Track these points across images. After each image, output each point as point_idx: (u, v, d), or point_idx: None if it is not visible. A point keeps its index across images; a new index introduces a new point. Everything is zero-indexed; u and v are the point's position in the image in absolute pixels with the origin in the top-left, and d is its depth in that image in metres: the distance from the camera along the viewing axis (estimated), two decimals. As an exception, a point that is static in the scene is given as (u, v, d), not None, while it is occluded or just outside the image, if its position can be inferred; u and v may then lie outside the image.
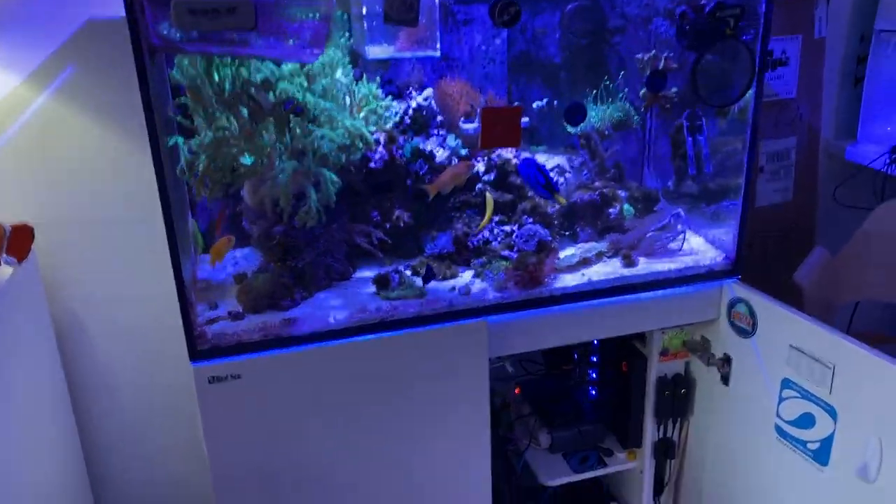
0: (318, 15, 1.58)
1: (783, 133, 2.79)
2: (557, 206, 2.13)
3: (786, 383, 1.94)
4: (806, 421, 1.88)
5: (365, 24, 1.62)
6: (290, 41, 1.63)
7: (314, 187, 1.80)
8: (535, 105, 2.13)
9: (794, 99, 2.75)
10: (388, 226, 2.07)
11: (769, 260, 2.84)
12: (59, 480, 2.15)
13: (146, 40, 1.52)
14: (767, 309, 1.99)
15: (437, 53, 1.67)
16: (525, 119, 1.98)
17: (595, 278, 2.02)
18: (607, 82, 2.13)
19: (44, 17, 2.08)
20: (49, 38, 2.10)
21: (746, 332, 2.06)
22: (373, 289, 1.97)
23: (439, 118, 2.09)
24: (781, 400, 1.96)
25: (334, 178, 1.80)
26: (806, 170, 2.85)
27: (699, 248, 2.19)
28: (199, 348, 1.76)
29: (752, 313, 2.03)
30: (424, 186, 2.02)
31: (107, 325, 2.31)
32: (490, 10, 1.67)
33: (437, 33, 1.65)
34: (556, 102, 2.21)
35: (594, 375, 2.46)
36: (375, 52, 1.66)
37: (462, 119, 2.03)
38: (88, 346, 2.33)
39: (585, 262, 2.08)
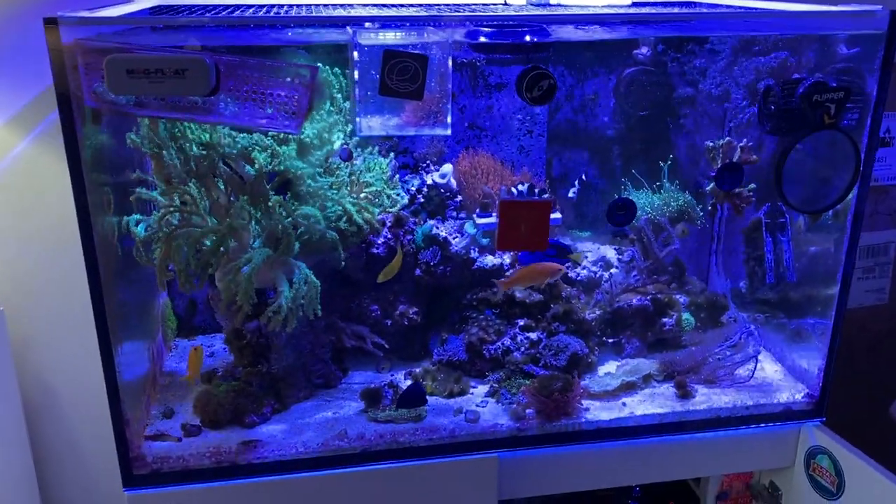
0: (297, 80, 1.26)
1: (881, 224, 2.37)
2: (597, 313, 1.75)
3: (881, 572, 1.50)
4: None
5: (357, 92, 1.28)
6: (268, 109, 1.31)
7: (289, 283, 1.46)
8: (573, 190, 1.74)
9: (898, 185, 2.31)
10: (388, 323, 1.72)
11: (855, 374, 2.38)
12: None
13: (78, 101, 1.21)
14: (860, 470, 1.55)
15: (448, 132, 1.32)
16: (557, 215, 1.60)
17: (639, 411, 1.62)
18: (668, 165, 1.74)
19: (29, 58, 1.84)
20: (34, 80, 1.85)
21: (829, 492, 1.62)
22: (362, 404, 1.61)
23: (459, 199, 1.74)
24: (873, 592, 1.52)
25: (311, 276, 1.46)
26: (907, 269, 2.40)
27: (774, 377, 1.76)
28: (136, 473, 1.44)
29: (837, 471, 1.60)
30: (496, 281, 1.68)
31: (77, 388, 2.03)
32: (517, 84, 1.31)
33: (449, 106, 1.30)
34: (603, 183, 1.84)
35: (635, 510, 2.04)
36: (371, 126, 1.32)
37: (477, 211, 1.67)
38: (57, 411, 2.05)
39: (628, 388, 1.68)
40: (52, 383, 2.02)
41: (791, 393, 1.69)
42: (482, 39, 1.43)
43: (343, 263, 1.54)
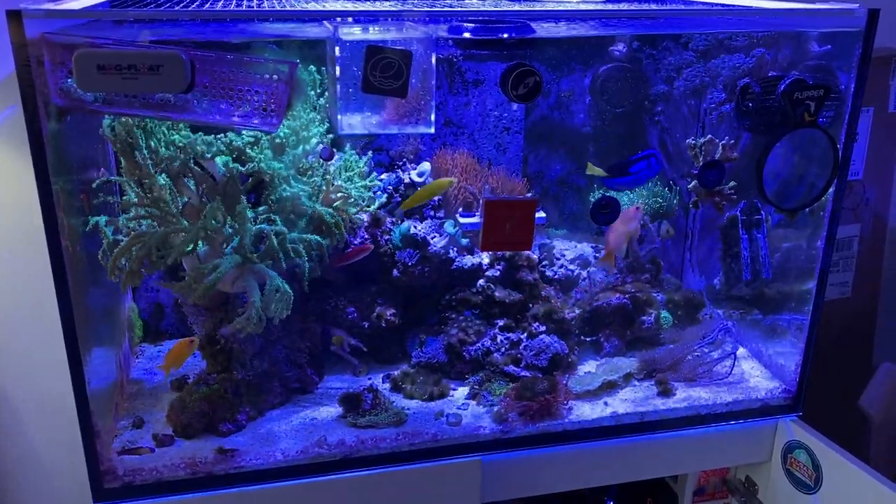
0: (276, 77, 1.21)
1: (845, 219, 2.40)
2: (577, 312, 1.73)
3: (860, 565, 1.52)
4: None
5: (339, 89, 1.24)
6: (244, 106, 1.26)
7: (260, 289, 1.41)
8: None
9: (861, 180, 2.35)
10: (366, 325, 1.68)
11: (820, 367, 2.42)
12: None
13: (44, 98, 1.15)
14: (838, 463, 1.57)
15: (432, 130, 1.29)
16: (541, 215, 1.58)
17: (621, 409, 1.61)
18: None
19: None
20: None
21: (807, 486, 1.64)
22: (340, 409, 1.57)
23: (437, 197, 1.70)
24: (852, 584, 1.54)
25: (285, 287, 1.41)
26: (869, 263, 2.45)
27: (751, 373, 1.77)
28: (107, 486, 1.38)
29: (815, 465, 1.61)
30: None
31: (38, 398, 1.94)
32: (502, 81, 1.28)
33: (433, 103, 1.27)
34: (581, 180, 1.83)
35: (611, 506, 2.04)
36: (351, 123, 1.28)
37: (460, 210, 1.64)
38: (15, 422, 1.95)
39: (610, 387, 1.67)
40: (10, 394, 1.93)
41: (768, 388, 1.71)
42: (466, 35, 1.39)
43: (319, 273, 1.51)
